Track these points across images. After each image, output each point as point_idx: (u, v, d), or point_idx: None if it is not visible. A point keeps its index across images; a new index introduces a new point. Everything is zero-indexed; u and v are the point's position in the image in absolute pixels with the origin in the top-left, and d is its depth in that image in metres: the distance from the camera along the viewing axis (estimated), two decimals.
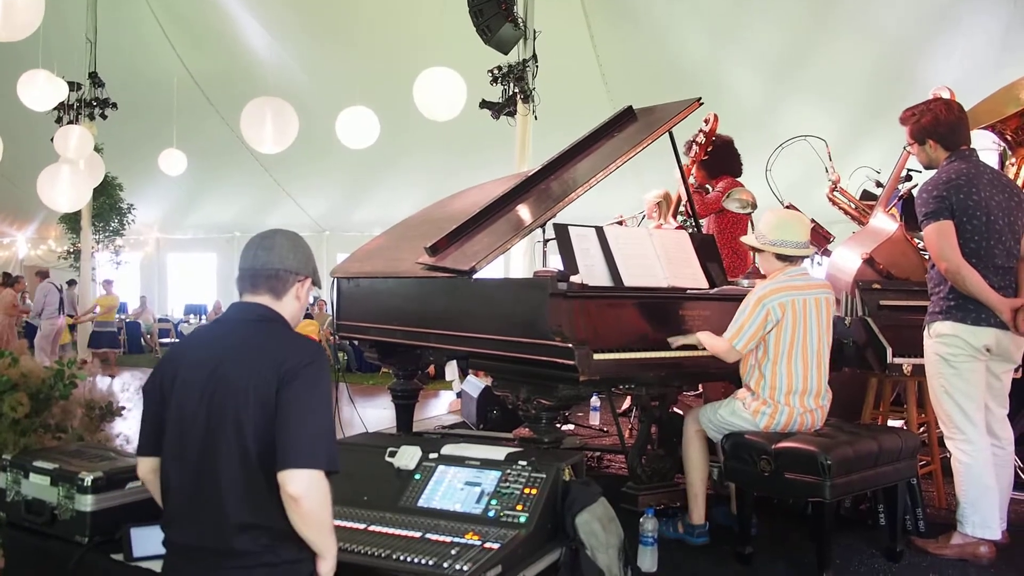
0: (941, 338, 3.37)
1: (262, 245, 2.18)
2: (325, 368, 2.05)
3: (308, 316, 11.23)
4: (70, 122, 11.20)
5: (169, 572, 2.09)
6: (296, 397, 1.94)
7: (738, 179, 5.32)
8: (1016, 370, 3.50)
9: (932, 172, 3.55)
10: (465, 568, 2.32)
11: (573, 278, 3.39)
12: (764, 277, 3.51)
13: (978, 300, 3.28)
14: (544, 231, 4.37)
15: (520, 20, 8.73)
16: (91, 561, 2.83)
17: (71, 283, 13.63)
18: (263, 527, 1.94)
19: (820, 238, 5.23)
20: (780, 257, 3.38)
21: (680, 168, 4.56)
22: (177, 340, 14.99)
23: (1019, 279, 3.40)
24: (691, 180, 5.23)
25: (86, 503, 2.89)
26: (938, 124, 3.48)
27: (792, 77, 11.00)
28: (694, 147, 5.21)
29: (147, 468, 2.14)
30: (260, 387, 1.95)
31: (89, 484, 2.90)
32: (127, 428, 3.56)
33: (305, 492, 1.88)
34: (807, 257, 3.47)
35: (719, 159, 5.29)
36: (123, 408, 3.73)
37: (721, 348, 3.35)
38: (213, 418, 1.97)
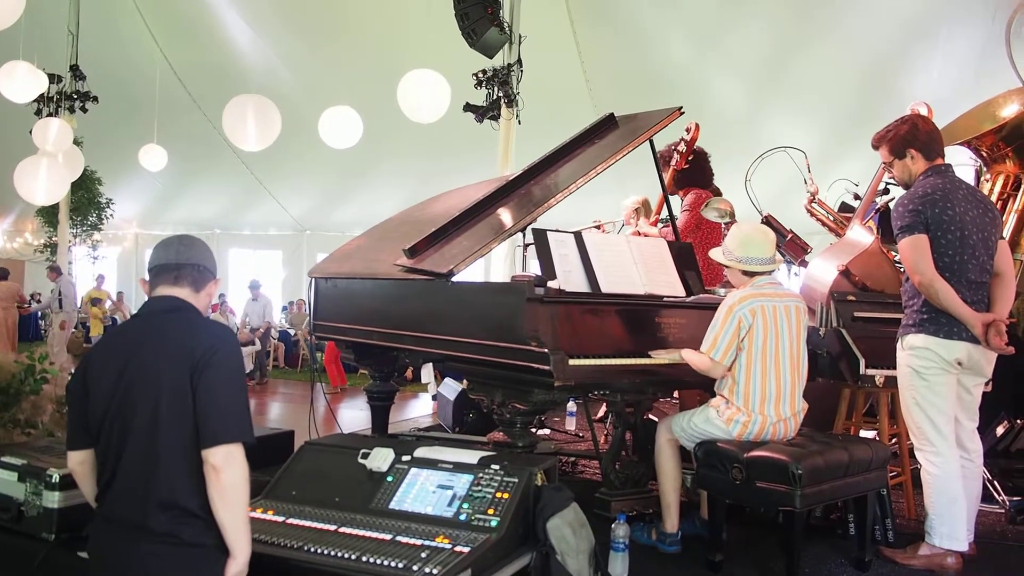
0: (913, 351, 3.41)
1: (183, 243, 2.34)
2: (235, 349, 2.23)
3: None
4: (50, 114, 11.08)
5: (91, 539, 2.19)
6: (212, 383, 2.09)
7: (705, 190, 5.24)
8: (986, 383, 3.54)
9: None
10: (435, 571, 2.31)
11: (551, 283, 3.39)
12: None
13: (950, 314, 3.32)
14: (525, 235, 4.35)
15: (506, 25, 8.74)
16: (57, 558, 2.81)
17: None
18: (179, 507, 2.07)
19: (798, 249, 5.27)
20: (746, 273, 3.44)
21: (660, 178, 4.56)
22: None
23: (992, 294, 3.45)
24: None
25: (53, 500, 2.87)
26: (917, 132, 3.53)
27: (774, 87, 11.08)
28: (675, 155, 5.20)
29: (75, 461, 2.25)
30: (173, 373, 2.09)
31: (57, 481, 2.87)
32: None
33: (224, 463, 2.05)
34: (772, 271, 3.52)
35: (689, 170, 5.21)
36: None
37: (704, 364, 3.36)
38: (128, 403, 2.10)
